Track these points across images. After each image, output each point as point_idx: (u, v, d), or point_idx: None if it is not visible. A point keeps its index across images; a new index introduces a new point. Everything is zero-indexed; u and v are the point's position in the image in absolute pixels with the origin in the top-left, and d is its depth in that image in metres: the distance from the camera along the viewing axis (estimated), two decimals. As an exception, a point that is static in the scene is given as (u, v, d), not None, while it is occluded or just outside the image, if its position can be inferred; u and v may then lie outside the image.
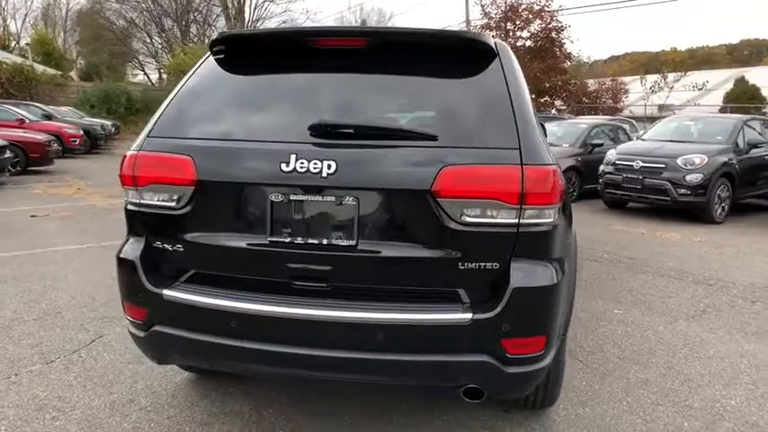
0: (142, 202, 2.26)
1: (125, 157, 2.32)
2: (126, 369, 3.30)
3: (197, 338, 2.20)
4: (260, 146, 2.15)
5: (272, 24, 38.31)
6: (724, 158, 8.37)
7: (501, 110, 2.15)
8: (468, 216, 2.02)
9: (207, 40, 37.80)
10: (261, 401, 2.95)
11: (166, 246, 2.25)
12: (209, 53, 2.52)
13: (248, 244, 2.15)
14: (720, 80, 35.04)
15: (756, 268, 5.95)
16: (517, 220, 2.03)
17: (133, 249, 2.30)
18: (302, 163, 2.04)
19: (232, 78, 2.45)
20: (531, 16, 24.17)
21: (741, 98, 33.83)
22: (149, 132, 2.30)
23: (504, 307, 2.01)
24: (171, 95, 2.41)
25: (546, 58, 26.50)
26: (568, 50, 27.87)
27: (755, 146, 8.97)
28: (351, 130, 2.14)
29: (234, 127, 2.29)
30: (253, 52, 2.46)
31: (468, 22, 29.25)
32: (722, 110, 29.99)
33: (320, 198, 2.08)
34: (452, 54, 2.30)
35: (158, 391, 3.07)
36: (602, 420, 2.85)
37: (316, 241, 2.10)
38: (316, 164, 2.03)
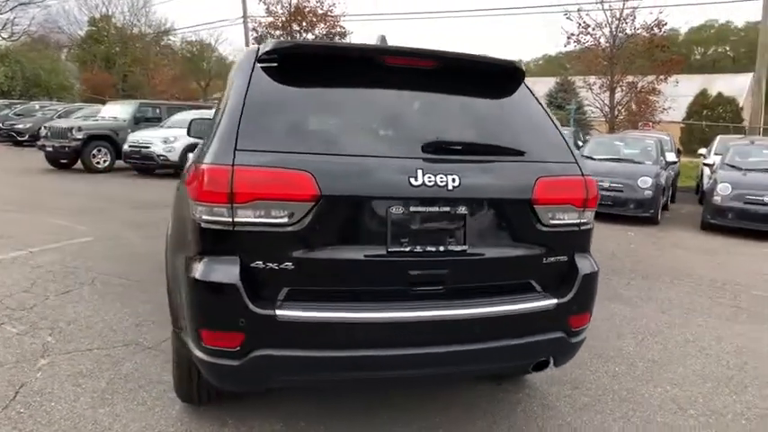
0: (238, 220, 2.10)
1: (204, 171, 2.11)
2: (97, 415, 2.84)
3: (312, 355, 2.16)
4: (383, 161, 2.21)
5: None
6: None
7: (549, 126, 2.60)
8: (553, 219, 2.42)
9: None
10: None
11: (270, 264, 2.13)
12: (253, 61, 2.38)
13: (366, 255, 2.20)
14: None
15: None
16: (579, 221, 2.51)
17: (225, 271, 2.11)
18: (429, 177, 2.18)
19: (310, 92, 2.41)
20: (314, 19, 24.94)
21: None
22: (235, 145, 2.13)
23: (576, 291, 2.47)
24: (233, 106, 2.25)
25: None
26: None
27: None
28: (459, 147, 2.35)
29: (342, 142, 2.29)
30: (322, 65, 2.43)
31: (245, 17, 28.69)
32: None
33: (437, 209, 2.24)
34: (502, 77, 2.64)
35: (165, 429, 2.75)
36: (566, 376, 3.52)
37: (433, 248, 2.25)
38: (442, 178, 2.20)
